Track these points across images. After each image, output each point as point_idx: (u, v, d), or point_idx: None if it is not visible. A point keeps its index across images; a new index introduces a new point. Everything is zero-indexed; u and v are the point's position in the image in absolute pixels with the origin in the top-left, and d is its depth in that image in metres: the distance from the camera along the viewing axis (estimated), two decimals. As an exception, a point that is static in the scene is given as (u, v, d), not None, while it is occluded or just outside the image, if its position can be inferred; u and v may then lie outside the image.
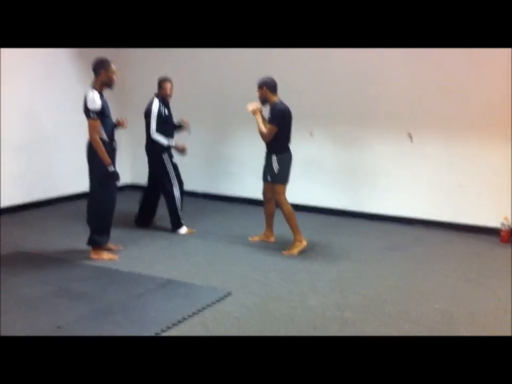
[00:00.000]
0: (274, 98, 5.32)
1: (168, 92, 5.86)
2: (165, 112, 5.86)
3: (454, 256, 5.42)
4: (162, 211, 6.18)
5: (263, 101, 5.36)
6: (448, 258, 5.33)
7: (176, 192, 5.92)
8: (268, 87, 5.29)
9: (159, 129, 5.78)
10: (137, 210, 6.24)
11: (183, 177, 6.07)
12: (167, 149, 5.89)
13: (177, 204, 5.92)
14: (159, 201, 6.18)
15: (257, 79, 5.37)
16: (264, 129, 5.29)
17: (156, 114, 5.76)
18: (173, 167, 5.92)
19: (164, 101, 5.88)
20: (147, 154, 6.03)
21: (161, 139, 5.81)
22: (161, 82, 5.87)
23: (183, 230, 6.00)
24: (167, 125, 5.90)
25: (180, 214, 5.98)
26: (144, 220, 6.21)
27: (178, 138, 6.19)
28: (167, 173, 5.88)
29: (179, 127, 6.15)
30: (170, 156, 5.92)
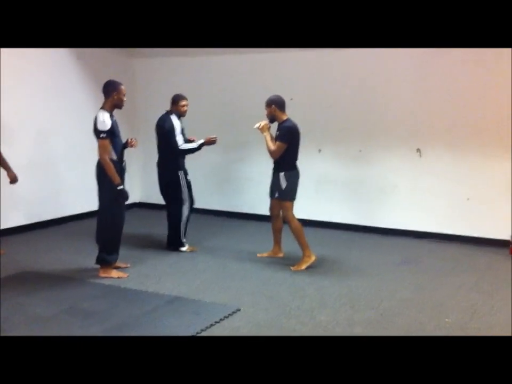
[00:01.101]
0: (283, 116, 5.36)
1: (185, 109, 5.88)
2: (181, 127, 5.89)
3: (465, 269, 5.38)
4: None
5: (271, 118, 5.40)
6: (459, 271, 5.29)
7: (185, 211, 5.91)
8: (276, 105, 5.33)
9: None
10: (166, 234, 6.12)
11: (196, 193, 6.07)
12: (183, 166, 5.89)
13: (181, 223, 5.90)
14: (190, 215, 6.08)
15: (266, 98, 5.41)
16: (272, 146, 5.32)
17: (180, 130, 5.80)
18: (187, 185, 5.90)
19: (179, 117, 5.90)
20: (161, 170, 6.00)
21: (189, 145, 5.82)
22: (177, 100, 5.87)
23: (184, 248, 5.98)
24: (184, 138, 5.89)
25: (182, 233, 5.94)
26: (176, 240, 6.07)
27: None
28: (180, 191, 5.86)
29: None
30: (186, 173, 5.92)
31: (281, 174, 5.35)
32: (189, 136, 6.00)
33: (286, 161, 5.36)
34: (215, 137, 5.89)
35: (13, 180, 5.84)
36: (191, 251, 5.98)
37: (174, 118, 5.82)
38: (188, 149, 5.83)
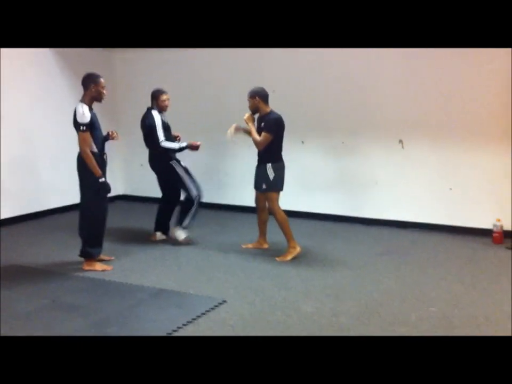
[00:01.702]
0: (266, 108, 5.34)
1: (166, 103, 5.79)
2: (163, 121, 5.79)
3: (448, 258, 5.43)
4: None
5: (254, 110, 5.38)
6: (442, 261, 5.34)
7: (196, 191, 5.79)
8: (260, 97, 5.31)
9: (165, 138, 5.72)
10: (154, 222, 6.14)
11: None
12: (174, 156, 5.82)
13: (194, 206, 5.78)
14: (174, 211, 6.07)
15: (248, 91, 5.39)
16: (258, 137, 5.30)
17: (160, 125, 5.69)
18: (185, 170, 5.82)
19: (160, 112, 5.81)
20: (153, 166, 5.93)
21: (171, 144, 5.71)
22: (158, 94, 5.78)
23: (181, 237, 5.88)
24: (169, 133, 5.83)
25: (189, 216, 5.81)
26: (163, 229, 6.11)
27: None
28: (180, 178, 5.78)
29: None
30: (178, 161, 5.84)
31: (268, 165, 5.34)
32: (174, 132, 5.95)
33: (272, 153, 5.35)
34: (199, 144, 5.78)
35: None
36: (187, 243, 5.89)
37: (155, 114, 5.73)
38: (168, 148, 5.70)
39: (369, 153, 6.69)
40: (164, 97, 5.78)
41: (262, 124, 5.33)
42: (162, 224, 6.09)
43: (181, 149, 5.74)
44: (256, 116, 5.43)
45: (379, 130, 6.59)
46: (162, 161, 5.80)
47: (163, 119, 5.80)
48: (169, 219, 6.08)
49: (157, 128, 5.67)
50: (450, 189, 6.28)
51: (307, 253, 5.55)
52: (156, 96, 5.78)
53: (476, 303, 4.26)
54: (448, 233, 6.26)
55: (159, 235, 6.09)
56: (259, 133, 5.31)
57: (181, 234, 5.89)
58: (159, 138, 5.66)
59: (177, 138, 6.00)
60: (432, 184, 6.39)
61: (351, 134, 6.76)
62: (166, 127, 5.82)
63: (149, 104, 5.83)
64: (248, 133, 5.43)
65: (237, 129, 5.49)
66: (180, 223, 5.86)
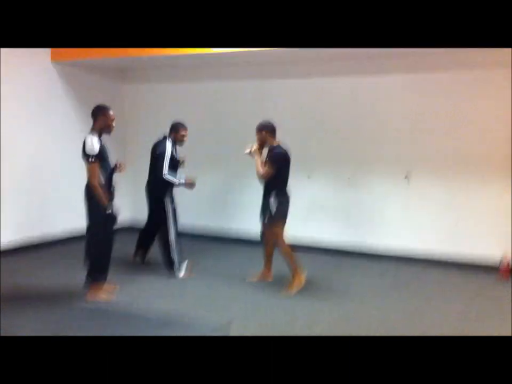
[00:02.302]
0: (274, 142, 5.39)
1: (185, 138, 5.91)
2: (174, 154, 5.88)
3: (453, 294, 5.39)
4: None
5: (262, 144, 5.43)
6: (448, 297, 5.30)
7: (171, 236, 5.88)
8: (267, 131, 5.36)
9: (169, 170, 5.79)
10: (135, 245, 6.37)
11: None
12: (170, 192, 5.90)
13: (171, 248, 5.88)
14: (154, 240, 6.27)
15: (256, 123, 5.45)
16: (261, 170, 5.34)
17: (169, 156, 5.78)
18: (172, 211, 5.90)
19: (175, 144, 5.91)
20: (148, 193, 6.05)
21: (172, 178, 5.78)
22: (178, 127, 5.89)
23: (181, 273, 5.92)
24: (174, 166, 5.90)
25: (174, 257, 5.90)
26: (140, 253, 6.36)
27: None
28: (165, 217, 5.87)
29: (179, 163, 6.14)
30: (172, 200, 5.93)
31: (271, 200, 5.36)
32: (180, 158, 6.04)
33: (276, 186, 5.38)
34: (194, 182, 5.90)
35: None
36: (189, 277, 5.91)
37: (168, 144, 5.82)
38: (169, 180, 5.77)
39: (375, 188, 6.71)
40: (183, 132, 5.89)
41: (267, 158, 5.38)
42: (140, 250, 6.37)
43: (179, 185, 5.84)
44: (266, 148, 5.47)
45: (385, 165, 6.62)
46: (157, 192, 5.90)
47: (174, 153, 5.86)
48: (148, 246, 6.32)
49: (165, 159, 5.75)
50: (457, 224, 6.26)
51: (312, 286, 5.52)
52: (176, 128, 5.89)
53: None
54: (455, 267, 6.22)
55: (138, 259, 6.37)
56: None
57: (179, 273, 5.91)
58: (164, 169, 5.73)
59: (182, 162, 6.07)
60: (438, 217, 6.38)
61: (357, 168, 6.79)
62: (175, 161, 5.89)
63: (161, 134, 5.92)
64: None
65: (256, 152, 5.45)
66: (171, 266, 5.92)
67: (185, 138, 5.92)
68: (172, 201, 5.95)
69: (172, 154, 5.82)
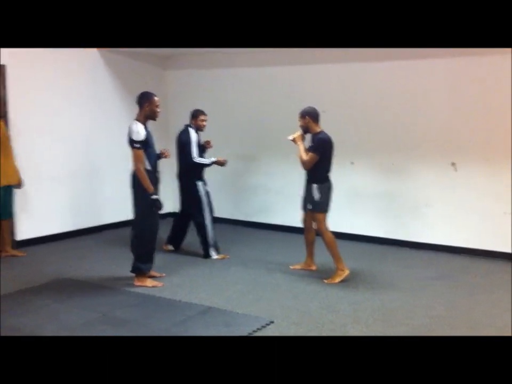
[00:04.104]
0: (317, 128, 5.36)
1: (204, 123, 6.13)
2: (198, 140, 6.11)
3: (500, 286, 5.26)
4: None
5: (305, 130, 5.41)
6: (494, 289, 5.18)
7: (207, 221, 6.05)
8: (310, 117, 5.33)
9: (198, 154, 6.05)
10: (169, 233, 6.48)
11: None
12: (202, 176, 6.11)
13: (207, 233, 6.06)
14: (189, 227, 6.38)
15: (297, 110, 5.42)
16: (304, 157, 5.31)
17: (196, 142, 6.01)
18: (206, 194, 6.09)
19: (197, 131, 6.12)
20: (180, 181, 6.23)
21: (204, 160, 6.07)
22: (198, 114, 6.12)
23: (214, 255, 6.11)
24: (200, 150, 6.15)
25: (210, 241, 6.08)
26: (174, 242, 6.43)
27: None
28: (199, 201, 6.05)
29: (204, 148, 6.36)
30: (204, 183, 6.12)
31: (314, 186, 5.34)
32: (204, 141, 6.27)
33: (319, 173, 5.35)
34: (225, 160, 6.16)
35: (20, 183, 6.14)
36: (223, 258, 6.09)
37: (192, 131, 6.04)
38: (201, 163, 6.03)
39: (421, 175, 6.58)
40: (203, 117, 6.13)
41: (311, 144, 5.35)
42: (174, 239, 6.43)
43: (211, 164, 6.08)
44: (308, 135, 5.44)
45: (431, 152, 6.48)
46: (190, 178, 6.07)
47: (198, 137, 6.08)
48: (182, 234, 6.40)
49: (192, 144, 5.98)
50: (505, 213, 6.11)
51: (355, 276, 5.49)
52: (196, 115, 6.13)
53: (531, 333, 4.12)
54: (501, 260, 6.07)
55: (170, 247, 6.43)
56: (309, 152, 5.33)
57: (213, 256, 6.12)
58: (193, 153, 5.96)
59: (208, 144, 6.30)
60: (485, 208, 6.22)
61: (401, 155, 6.67)
62: (200, 146, 6.13)
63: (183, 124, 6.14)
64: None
65: (299, 139, 5.43)
66: (207, 249, 6.10)
67: (204, 124, 6.12)
68: (205, 184, 6.13)
69: (197, 140, 6.05)
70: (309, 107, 5.42)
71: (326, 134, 5.35)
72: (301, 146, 5.37)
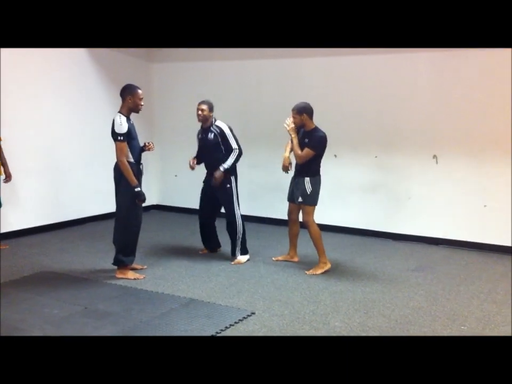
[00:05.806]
0: (312, 124, 5.35)
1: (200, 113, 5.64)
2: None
3: (479, 277, 5.34)
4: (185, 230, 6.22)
5: (300, 126, 5.37)
6: (474, 279, 5.26)
7: (240, 217, 5.74)
8: (307, 114, 5.31)
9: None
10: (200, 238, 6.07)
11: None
12: (234, 171, 5.73)
13: (238, 229, 5.72)
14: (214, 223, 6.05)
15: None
16: (299, 151, 5.31)
17: (231, 132, 5.66)
18: (236, 189, 5.72)
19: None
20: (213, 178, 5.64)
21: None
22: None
23: (245, 258, 5.79)
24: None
25: (239, 236, 5.75)
26: (209, 243, 6.07)
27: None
28: (232, 198, 5.69)
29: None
30: (236, 179, 5.75)
31: (307, 179, 5.35)
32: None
33: (312, 167, 5.37)
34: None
35: (8, 177, 6.11)
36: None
37: (223, 124, 5.66)
38: (240, 151, 5.66)
39: (403, 168, 6.64)
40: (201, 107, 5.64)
41: (306, 140, 5.32)
42: (208, 241, 6.05)
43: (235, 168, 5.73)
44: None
45: (413, 145, 6.54)
46: (228, 171, 5.63)
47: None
48: (214, 233, 6.03)
49: (228, 136, 5.61)
50: (485, 206, 6.19)
51: (337, 267, 5.54)
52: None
53: (507, 324, 4.18)
54: (481, 251, 6.16)
55: (207, 251, 6.07)
56: (302, 147, 5.33)
57: (242, 258, 5.79)
58: (232, 145, 5.60)
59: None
60: (466, 200, 6.30)
61: (384, 147, 6.72)
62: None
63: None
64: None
65: (293, 131, 5.35)
66: (234, 252, 5.79)
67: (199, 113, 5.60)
68: (236, 181, 5.76)
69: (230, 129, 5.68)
70: (304, 103, 5.37)
71: (321, 131, 5.33)
72: (295, 140, 5.35)
